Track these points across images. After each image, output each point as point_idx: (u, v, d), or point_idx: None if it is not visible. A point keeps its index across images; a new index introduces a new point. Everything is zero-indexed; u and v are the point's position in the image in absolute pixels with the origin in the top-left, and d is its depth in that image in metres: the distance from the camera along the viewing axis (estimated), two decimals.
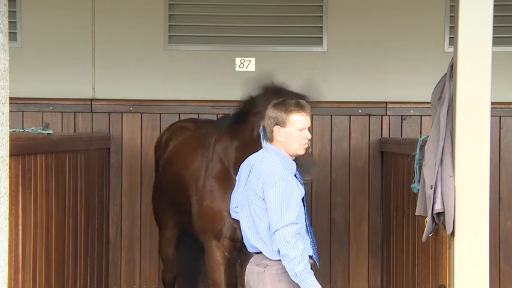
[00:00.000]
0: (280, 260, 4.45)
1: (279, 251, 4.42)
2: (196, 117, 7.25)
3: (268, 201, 4.42)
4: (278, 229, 4.38)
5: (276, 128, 4.53)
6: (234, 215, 4.89)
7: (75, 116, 7.33)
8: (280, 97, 4.88)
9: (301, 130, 4.55)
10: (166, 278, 6.86)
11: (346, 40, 7.47)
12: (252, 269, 4.61)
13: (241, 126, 5.61)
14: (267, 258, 4.51)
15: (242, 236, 4.77)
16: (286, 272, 4.44)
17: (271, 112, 4.56)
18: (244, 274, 5.96)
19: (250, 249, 4.66)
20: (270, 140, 4.60)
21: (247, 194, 4.58)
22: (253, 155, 4.76)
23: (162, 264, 6.93)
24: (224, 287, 5.77)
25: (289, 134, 4.54)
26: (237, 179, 4.81)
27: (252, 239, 4.56)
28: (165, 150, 6.52)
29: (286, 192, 4.42)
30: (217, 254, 5.75)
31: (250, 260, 4.68)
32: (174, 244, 6.75)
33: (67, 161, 5.57)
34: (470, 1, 4.16)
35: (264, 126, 5.19)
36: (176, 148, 6.39)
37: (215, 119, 6.98)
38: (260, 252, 4.56)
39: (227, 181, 5.71)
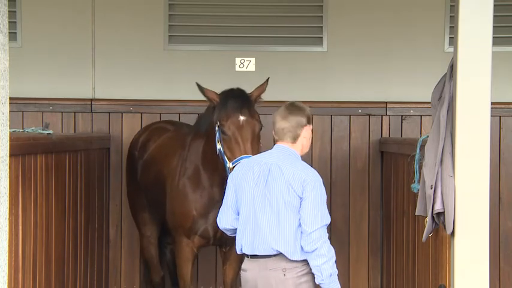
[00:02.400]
0: (297, 261, 4.45)
1: (302, 252, 4.43)
2: (197, 117, 7.25)
3: (308, 201, 4.44)
4: (317, 229, 4.41)
5: (307, 127, 4.65)
6: (231, 224, 4.76)
7: (75, 116, 7.33)
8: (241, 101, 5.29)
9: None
10: (154, 279, 6.88)
11: (346, 40, 7.46)
12: (266, 275, 4.50)
13: (210, 130, 5.66)
14: (285, 260, 4.46)
15: (243, 237, 4.71)
16: (306, 273, 4.46)
17: (298, 116, 4.61)
18: (227, 273, 6.02)
19: (261, 252, 4.52)
20: (292, 141, 4.61)
21: (271, 194, 4.50)
22: (261, 156, 4.73)
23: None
24: (190, 281, 5.93)
25: (309, 133, 4.70)
26: (234, 185, 4.70)
27: (273, 241, 4.47)
28: (144, 151, 6.58)
29: (322, 193, 4.52)
30: (187, 251, 5.87)
31: (253, 265, 4.56)
32: (155, 243, 6.79)
33: (67, 161, 5.57)
34: (470, 1, 4.16)
35: (219, 127, 5.31)
36: (157, 148, 6.46)
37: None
38: (273, 256, 4.49)
39: (197, 181, 5.81)
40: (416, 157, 4.74)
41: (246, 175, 4.64)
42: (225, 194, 4.80)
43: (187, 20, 7.48)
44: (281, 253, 4.48)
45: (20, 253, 4.43)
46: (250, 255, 4.59)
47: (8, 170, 3.81)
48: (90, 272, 6.43)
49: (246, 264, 4.62)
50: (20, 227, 4.42)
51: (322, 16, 7.45)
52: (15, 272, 4.35)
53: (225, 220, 4.78)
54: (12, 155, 3.97)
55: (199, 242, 5.88)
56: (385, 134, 7.36)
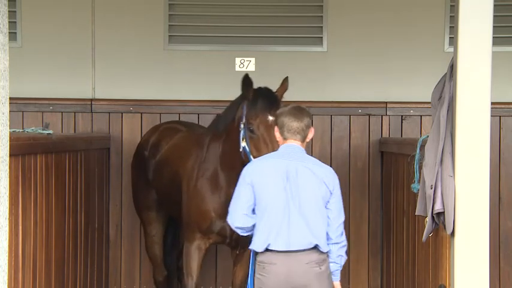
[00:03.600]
0: (324, 253, 4.71)
1: (327, 244, 4.74)
2: (197, 117, 7.26)
3: (336, 196, 4.82)
4: (343, 220, 4.86)
5: (312, 129, 4.86)
6: (244, 223, 4.81)
7: (75, 116, 7.33)
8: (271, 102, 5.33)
9: None
10: (157, 278, 6.89)
11: (346, 40, 7.46)
12: (303, 270, 4.66)
13: (230, 129, 5.64)
14: (315, 253, 4.69)
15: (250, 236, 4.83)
16: (328, 265, 4.77)
17: (307, 117, 4.80)
18: (237, 274, 6.04)
19: (296, 247, 4.65)
20: (302, 140, 4.78)
21: (305, 192, 4.68)
22: (276, 156, 4.78)
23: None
24: (196, 276, 5.89)
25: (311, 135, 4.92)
26: (253, 184, 4.74)
27: (311, 236, 4.67)
28: (156, 152, 6.56)
29: None
30: (195, 245, 5.85)
31: (283, 259, 4.66)
32: (159, 242, 6.81)
33: (67, 161, 5.57)
34: (470, 1, 4.16)
35: (245, 126, 5.34)
36: (171, 148, 6.43)
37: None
38: (305, 250, 4.66)
39: (216, 182, 5.80)
40: (416, 157, 4.75)
41: (270, 175, 4.72)
42: (238, 194, 4.81)
43: (187, 20, 7.48)
44: (313, 247, 4.68)
45: (20, 253, 4.43)
46: (281, 250, 4.68)
47: (8, 170, 3.81)
48: (90, 272, 6.43)
49: (273, 257, 4.69)
50: (20, 227, 4.42)
51: (322, 16, 7.45)
52: (15, 272, 4.35)
53: (238, 219, 4.81)
54: (12, 155, 3.97)
55: (215, 239, 5.88)
56: (385, 134, 7.36)
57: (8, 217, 3.84)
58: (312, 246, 4.68)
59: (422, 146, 4.56)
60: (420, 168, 4.57)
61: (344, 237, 4.83)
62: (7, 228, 3.83)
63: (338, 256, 4.80)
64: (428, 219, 4.31)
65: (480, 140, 4.18)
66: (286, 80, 5.67)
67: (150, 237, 6.81)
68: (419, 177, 4.58)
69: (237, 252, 6.02)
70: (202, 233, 5.84)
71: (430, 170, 4.27)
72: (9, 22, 3.83)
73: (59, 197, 5.31)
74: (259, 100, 5.40)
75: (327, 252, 4.75)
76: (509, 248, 7.22)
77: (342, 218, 4.84)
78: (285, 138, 4.78)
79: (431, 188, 4.22)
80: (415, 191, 4.72)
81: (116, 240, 7.33)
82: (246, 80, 5.46)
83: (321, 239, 4.70)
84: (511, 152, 7.24)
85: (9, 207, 3.87)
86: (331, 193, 4.76)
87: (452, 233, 4.20)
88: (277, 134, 4.83)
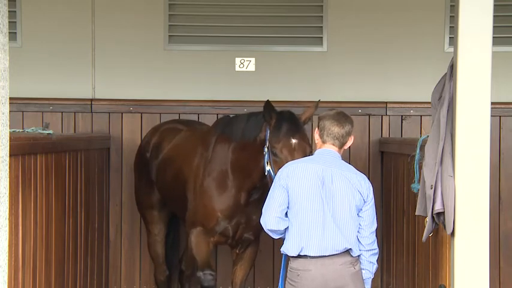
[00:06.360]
0: (354, 257, 4.71)
1: (359, 248, 4.74)
2: (197, 117, 7.26)
3: (370, 204, 4.77)
4: (376, 228, 4.80)
5: (352, 138, 4.87)
6: (278, 226, 4.77)
7: (75, 116, 7.33)
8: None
9: None
10: (158, 278, 6.91)
11: (346, 40, 7.46)
12: (337, 270, 4.67)
13: (249, 144, 5.63)
14: (348, 256, 4.69)
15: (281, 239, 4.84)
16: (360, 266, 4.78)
17: (349, 124, 4.81)
18: (237, 274, 6.06)
19: (330, 252, 4.65)
20: (340, 146, 4.79)
21: (340, 200, 4.68)
22: (314, 160, 4.77)
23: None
24: (207, 262, 5.91)
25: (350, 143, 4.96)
26: (287, 188, 4.72)
27: (344, 241, 4.66)
28: (159, 152, 6.58)
29: None
30: (203, 238, 5.89)
31: (318, 264, 4.65)
32: (161, 241, 6.84)
33: (67, 161, 5.58)
34: (470, 1, 4.16)
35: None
36: (174, 148, 6.44)
37: (214, 119, 6.98)
38: (338, 254, 4.66)
39: (224, 183, 5.82)
40: (417, 157, 4.75)
41: (305, 180, 4.70)
42: (271, 196, 4.78)
43: (187, 20, 7.48)
44: (345, 251, 4.69)
45: (20, 253, 4.43)
46: (314, 255, 4.68)
47: (8, 170, 3.81)
48: (90, 272, 6.43)
49: (307, 264, 4.68)
50: (20, 227, 4.42)
51: (322, 16, 7.45)
52: (15, 272, 4.35)
53: (271, 222, 4.77)
54: (12, 155, 3.97)
55: (218, 239, 5.93)
56: (385, 134, 7.36)
57: (8, 217, 3.84)
58: (345, 250, 4.69)
59: (422, 146, 4.56)
60: (420, 168, 4.57)
61: (376, 244, 4.80)
62: (7, 228, 3.83)
63: (370, 263, 4.78)
64: (428, 219, 4.31)
65: (480, 140, 4.18)
66: (316, 104, 5.66)
67: (152, 236, 6.83)
68: (419, 177, 4.58)
69: (237, 251, 6.04)
70: (206, 231, 5.88)
71: (430, 170, 4.27)
72: (9, 22, 3.82)
73: (59, 197, 5.31)
74: (283, 124, 5.42)
75: (357, 255, 4.75)
76: (509, 248, 7.21)
77: (375, 226, 4.79)
78: (323, 142, 4.79)
79: (431, 188, 4.22)
80: (415, 191, 4.72)
81: (116, 240, 7.34)
82: (268, 106, 5.46)
83: (353, 244, 4.70)
84: (511, 152, 7.23)
85: (9, 207, 3.87)
86: (364, 201, 4.73)
87: (452, 233, 4.20)
88: (316, 135, 4.83)
